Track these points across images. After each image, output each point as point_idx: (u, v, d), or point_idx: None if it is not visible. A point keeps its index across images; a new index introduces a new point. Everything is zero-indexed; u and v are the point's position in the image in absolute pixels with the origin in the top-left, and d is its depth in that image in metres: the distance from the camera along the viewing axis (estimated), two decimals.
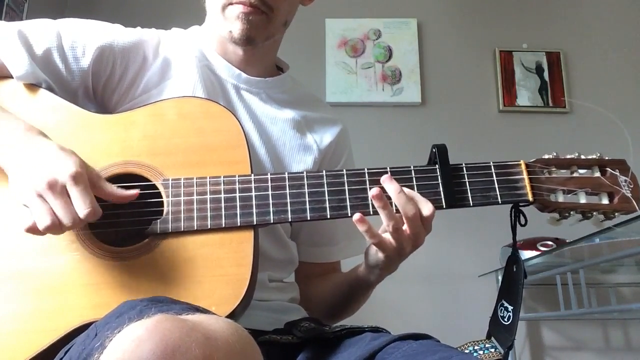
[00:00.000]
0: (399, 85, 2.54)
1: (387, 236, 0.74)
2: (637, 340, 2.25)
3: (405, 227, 0.73)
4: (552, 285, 1.96)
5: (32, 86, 0.79)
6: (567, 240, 1.81)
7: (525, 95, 2.55)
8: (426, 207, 0.74)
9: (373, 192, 0.73)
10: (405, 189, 0.74)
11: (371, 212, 0.74)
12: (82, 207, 0.64)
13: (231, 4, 0.83)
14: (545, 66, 2.58)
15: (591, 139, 2.41)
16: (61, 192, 0.64)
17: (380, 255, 0.77)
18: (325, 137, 0.95)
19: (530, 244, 1.99)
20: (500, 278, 2.21)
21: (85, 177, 0.66)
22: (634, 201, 0.77)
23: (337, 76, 2.55)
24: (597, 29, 2.65)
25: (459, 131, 2.48)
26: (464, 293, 2.28)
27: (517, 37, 2.62)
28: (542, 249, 1.95)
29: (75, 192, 0.64)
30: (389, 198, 0.74)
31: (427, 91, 2.56)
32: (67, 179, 0.64)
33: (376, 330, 0.75)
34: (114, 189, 0.69)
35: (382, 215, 0.73)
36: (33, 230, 0.64)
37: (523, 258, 1.93)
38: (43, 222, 0.63)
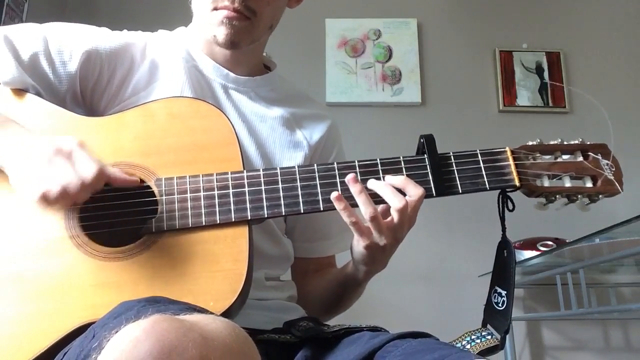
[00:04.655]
0: (399, 85, 2.55)
1: (367, 223, 0.74)
2: (637, 340, 2.25)
3: (389, 218, 0.73)
4: (552, 285, 1.95)
5: (20, 92, 0.79)
6: (567, 240, 1.81)
7: (525, 95, 2.55)
8: (414, 192, 0.74)
9: (347, 177, 0.74)
10: (393, 178, 0.75)
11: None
12: (85, 170, 0.65)
13: (216, 8, 0.83)
14: (545, 66, 2.58)
15: (591, 139, 2.41)
16: (68, 156, 0.65)
17: (361, 246, 0.76)
18: (315, 133, 0.96)
19: (530, 244, 1.99)
20: None
21: (89, 147, 0.67)
22: (616, 183, 0.79)
23: (337, 76, 2.55)
24: (597, 29, 2.65)
25: (459, 131, 2.48)
26: (464, 293, 2.27)
27: (517, 37, 2.62)
28: (542, 249, 1.95)
29: (79, 157, 0.65)
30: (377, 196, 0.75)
31: (427, 91, 2.56)
32: (73, 145, 0.66)
33: (375, 329, 0.75)
34: (116, 171, 0.70)
35: (359, 202, 0.73)
36: (45, 197, 0.64)
37: (523, 258, 1.93)
38: (52, 188, 0.64)
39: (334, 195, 0.73)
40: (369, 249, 0.76)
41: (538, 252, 1.92)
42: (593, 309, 1.69)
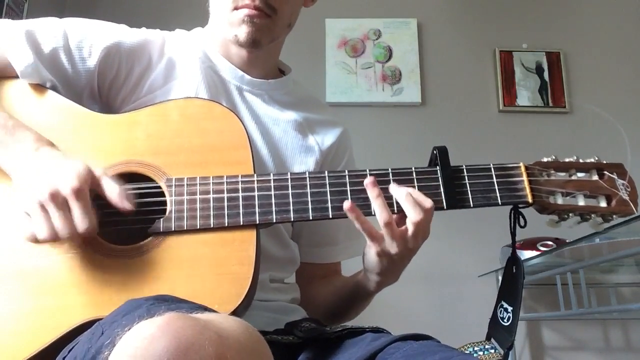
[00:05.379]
0: (399, 85, 2.55)
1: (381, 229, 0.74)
2: (637, 340, 2.25)
3: (403, 227, 0.73)
4: (552, 285, 1.96)
5: (38, 86, 0.80)
6: (567, 240, 1.81)
7: (525, 95, 2.55)
8: (426, 202, 0.74)
9: (367, 181, 0.74)
10: (411, 190, 0.75)
11: (372, 213, 0.74)
12: (81, 223, 0.65)
13: (236, 8, 0.84)
14: (545, 66, 2.58)
15: (591, 139, 2.41)
16: (62, 204, 0.65)
17: (372, 253, 0.76)
18: (327, 138, 0.95)
19: (530, 244, 1.99)
20: (500, 278, 2.22)
21: (87, 192, 0.67)
22: (631, 204, 0.78)
23: (337, 76, 2.55)
24: (597, 29, 2.65)
25: (459, 131, 2.48)
26: (464, 293, 2.28)
27: (517, 37, 2.62)
28: (542, 249, 1.95)
29: (76, 208, 0.65)
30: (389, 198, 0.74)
31: (427, 91, 2.56)
32: (69, 193, 0.65)
33: (377, 330, 0.75)
34: (114, 192, 0.69)
35: (375, 206, 0.73)
36: (33, 239, 0.66)
37: (523, 258, 1.93)
38: (42, 232, 0.65)
39: (346, 205, 0.72)
40: (380, 256, 0.75)
41: (538, 252, 1.92)
42: (593, 309, 1.69)
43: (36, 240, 0.65)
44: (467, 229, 2.30)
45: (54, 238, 0.65)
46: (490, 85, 2.58)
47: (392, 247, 0.74)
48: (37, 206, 0.65)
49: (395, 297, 2.20)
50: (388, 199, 0.74)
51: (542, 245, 1.97)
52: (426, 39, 2.64)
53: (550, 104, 2.54)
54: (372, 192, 0.73)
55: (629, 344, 2.25)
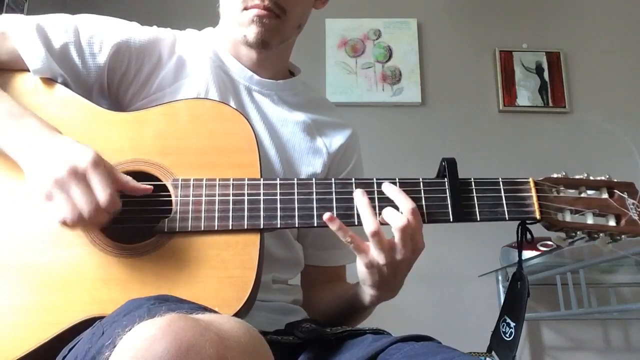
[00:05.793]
0: (399, 85, 2.55)
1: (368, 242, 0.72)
2: (637, 340, 2.25)
3: (391, 237, 0.71)
4: (552, 285, 1.96)
5: (48, 80, 0.80)
6: None
7: (525, 95, 2.55)
8: (406, 204, 0.72)
9: (356, 192, 0.72)
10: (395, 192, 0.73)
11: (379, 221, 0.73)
12: (101, 193, 0.64)
13: (246, 8, 0.83)
14: (545, 66, 2.58)
15: (591, 140, 2.42)
16: (82, 179, 0.65)
17: (362, 264, 0.74)
18: (335, 141, 0.95)
19: (530, 244, 1.99)
20: (500, 278, 2.22)
21: (104, 164, 0.67)
22: None
23: (337, 76, 2.55)
24: (597, 29, 2.65)
25: (459, 131, 2.48)
26: (464, 293, 2.28)
27: (517, 37, 2.62)
28: (542, 249, 1.95)
29: (95, 179, 0.65)
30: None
31: (427, 91, 2.56)
32: (88, 166, 0.65)
33: (377, 332, 0.75)
34: (129, 180, 0.70)
35: (363, 216, 0.71)
36: (64, 224, 0.65)
37: (523, 258, 1.93)
38: (68, 215, 0.64)
39: (326, 216, 0.71)
40: (369, 267, 0.73)
41: (538, 252, 1.92)
42: (593, 309, 1.69)
43: (67, 225, 0.65)
44: (467, 229, 2.30)
45: (80, 218, 0.64)
46: (490, 85, 2.58)
47: (380, 258, 0.71)
48: (57, 186, 0.65)
49: (396, 298, 2.20)
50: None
51: (542, 245, 1.97)
52: (426, 39, 2.64)
53: (550, 104, 2.54)
54: (361, 201, 0.72)
55: (629, 344, 2.25)
